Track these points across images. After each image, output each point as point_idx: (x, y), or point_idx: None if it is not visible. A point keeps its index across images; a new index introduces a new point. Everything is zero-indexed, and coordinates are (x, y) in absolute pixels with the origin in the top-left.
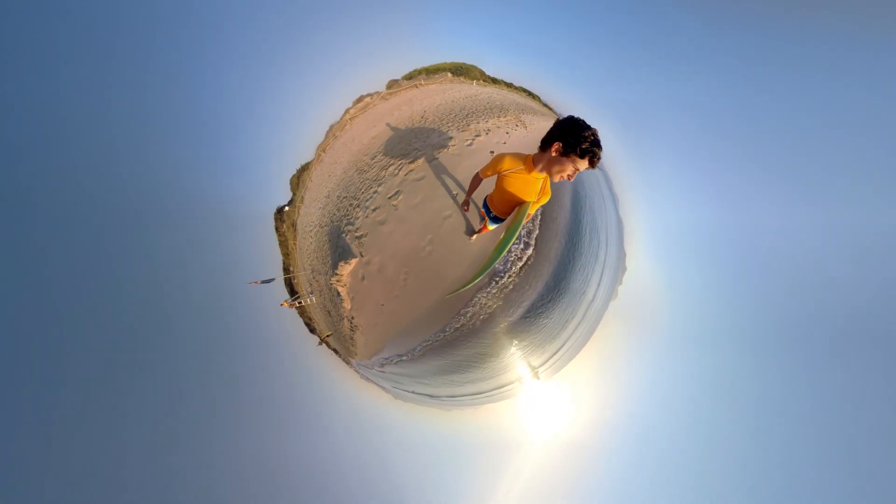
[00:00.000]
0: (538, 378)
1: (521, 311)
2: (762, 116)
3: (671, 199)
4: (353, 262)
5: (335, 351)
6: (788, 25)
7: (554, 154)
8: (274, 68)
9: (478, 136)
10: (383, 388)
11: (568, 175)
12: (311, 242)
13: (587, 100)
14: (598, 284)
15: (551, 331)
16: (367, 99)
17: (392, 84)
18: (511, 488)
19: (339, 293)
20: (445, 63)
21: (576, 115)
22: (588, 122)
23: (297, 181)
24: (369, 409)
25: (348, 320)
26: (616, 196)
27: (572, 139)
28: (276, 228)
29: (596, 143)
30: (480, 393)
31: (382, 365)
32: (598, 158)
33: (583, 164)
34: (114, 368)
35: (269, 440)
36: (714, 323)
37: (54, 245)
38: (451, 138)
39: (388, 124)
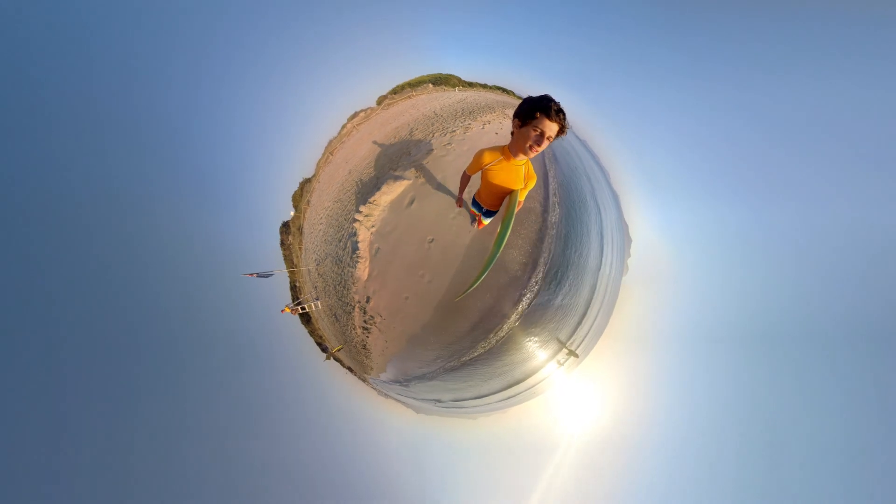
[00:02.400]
0: (576, 356)
1: (531, 295)
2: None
3: (664, 168)
4: (404, 183)
5: (350, 370)
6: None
7: (516, 131)
8: (263, 95)
9: (486, 123)
10: (404, 402)
11: (535, 139)
12: (321, 227)
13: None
14: (602, 254)
15: (568, 311)
16: (363, 113)
17: (382, 100)
18: (548, 490)
19: (356, 245)
20: (424, 76)
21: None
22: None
23: (301, 193)
24: (393, 427)
25: (360, 310)
26: (606, 171)
27: (524, 108)
28: (282, 242)
29: (546, 98)
30: (506, 388)
31: (405, 381)
32: (559, 110)
33: (544, 123)
34: (131, 385)
35: (295, 468)
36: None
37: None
38: (471, 123)
39: (404, 120)
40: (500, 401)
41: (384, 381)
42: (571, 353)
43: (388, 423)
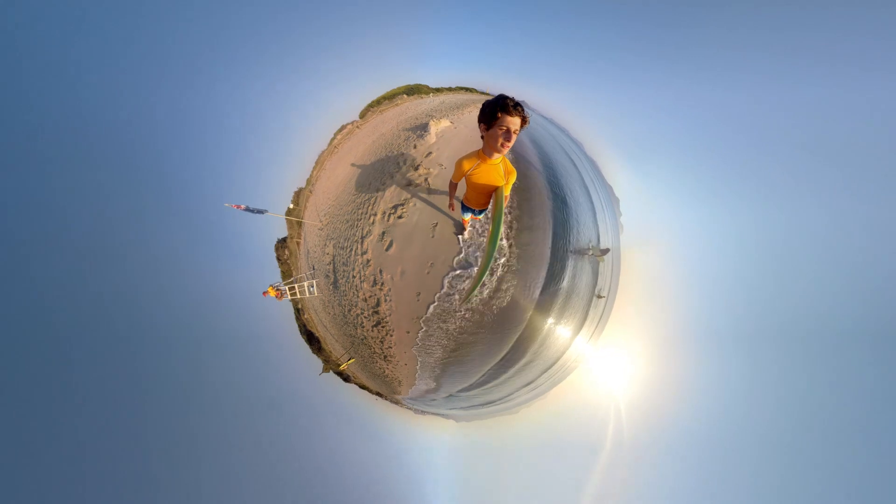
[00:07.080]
0: (608, 250)
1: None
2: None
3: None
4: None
5: (379, 395)
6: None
7: (485, 134)
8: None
9: (470, 111)
10: (443, 416)
11: (504, 137)
12: (341, 190)
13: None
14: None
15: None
16: (350, 126)
17: (364, 113)
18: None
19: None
20: (398, 88)
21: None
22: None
23: (297, 197)
24: (439, 441)
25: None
26: (579, 142)
27: (486, 112)
28: (279, 258)
29: (502, 98)
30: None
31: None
32: (517, 104)
33: (507, 120)
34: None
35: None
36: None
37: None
38: (462, 113)
39: (413, 113)
40: (535, 378)
41: (414, 399)
42: (602, 252)
43: (434, 438)
